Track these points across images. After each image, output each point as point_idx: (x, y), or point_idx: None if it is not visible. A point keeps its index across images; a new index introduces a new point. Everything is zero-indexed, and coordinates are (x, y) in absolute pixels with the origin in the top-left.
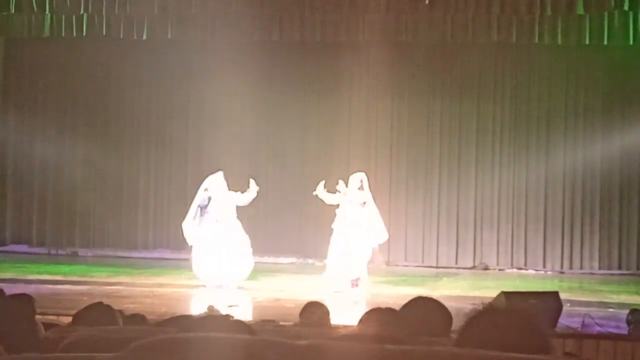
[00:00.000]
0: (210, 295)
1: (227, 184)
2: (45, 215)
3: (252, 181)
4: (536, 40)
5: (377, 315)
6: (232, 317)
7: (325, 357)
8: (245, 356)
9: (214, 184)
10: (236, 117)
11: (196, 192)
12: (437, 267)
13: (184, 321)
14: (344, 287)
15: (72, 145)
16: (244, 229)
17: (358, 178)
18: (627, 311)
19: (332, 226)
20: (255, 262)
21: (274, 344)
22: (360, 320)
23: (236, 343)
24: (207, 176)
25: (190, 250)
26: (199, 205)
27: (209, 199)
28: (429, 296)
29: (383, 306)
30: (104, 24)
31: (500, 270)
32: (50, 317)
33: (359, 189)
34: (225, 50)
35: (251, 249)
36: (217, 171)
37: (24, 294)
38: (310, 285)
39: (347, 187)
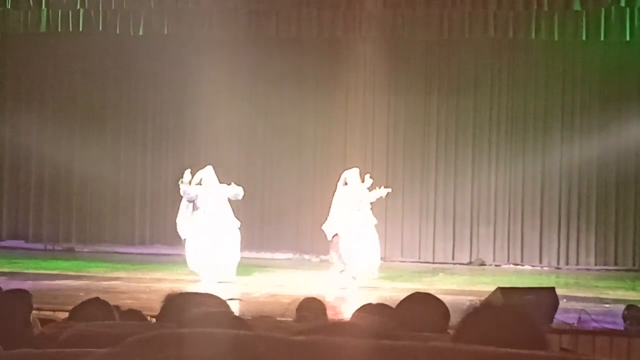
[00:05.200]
0: (206, 290)
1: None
2: (41, 210)
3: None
4: (533, 37)
5: (369, 310)
6: (232, 312)
7: (322, 353)
8: (242, 352)
9: (206, 178)
10: (232, 113)
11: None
12: (433, 263)
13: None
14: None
15: (69, 140)
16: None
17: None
18: (623, 307)
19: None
20: (252, 258)
21: (271, 340)
22: (352, 316)
23: (232, 338)
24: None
25: (184, 245)
26: (188, 200)
27: (196, 194)
28: (426, 292)
29: (381, 302)
30: (101, 19)
31: (496, 266)
32: (47, 313)
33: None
34: (222, 45)
35: (238, 241)
36: (206, 166)
37: (21, 290)
38: (308, 281)
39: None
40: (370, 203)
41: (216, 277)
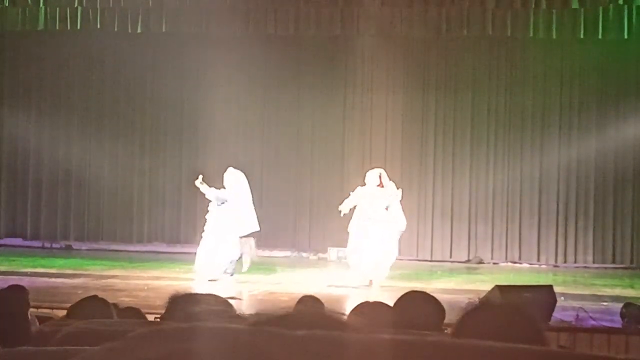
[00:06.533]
0: (204, 288)
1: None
2: (39, 208)
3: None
4: (531, 35)
5: (367, 308)
6: (234, 311)
7: (323, 347)
8: (244, 346)
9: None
10: (230, 111)
11: (201, 187)
12: (431, 261)
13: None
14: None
15: (66, 138)
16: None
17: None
18: (621, 305)
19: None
20: None
21: (273, 334)
22: (350, 315)
23: (235, 333)
24: (203, 170)
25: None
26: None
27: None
28: (422, 290)
29: (378, 300)
30: (98, 17)
31: (494, 264)
32: (45, 310)
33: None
34: (220, 43)
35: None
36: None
37: (18, 287)
38: (307, 279)
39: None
40: (400, 202)
41: (209, 275)
